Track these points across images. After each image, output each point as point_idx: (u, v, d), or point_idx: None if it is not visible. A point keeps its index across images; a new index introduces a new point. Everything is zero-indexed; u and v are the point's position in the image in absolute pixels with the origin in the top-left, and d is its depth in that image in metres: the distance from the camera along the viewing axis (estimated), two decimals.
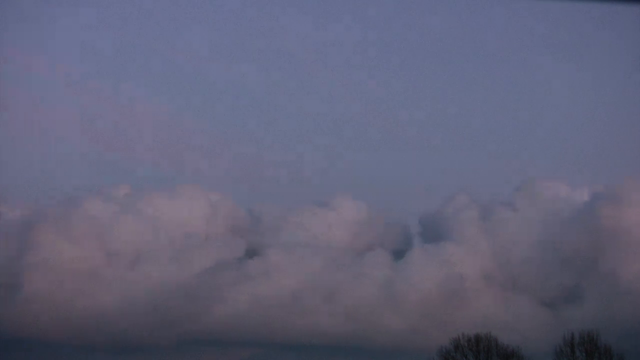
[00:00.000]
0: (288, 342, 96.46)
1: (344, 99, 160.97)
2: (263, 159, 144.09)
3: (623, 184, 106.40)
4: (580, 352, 68.36)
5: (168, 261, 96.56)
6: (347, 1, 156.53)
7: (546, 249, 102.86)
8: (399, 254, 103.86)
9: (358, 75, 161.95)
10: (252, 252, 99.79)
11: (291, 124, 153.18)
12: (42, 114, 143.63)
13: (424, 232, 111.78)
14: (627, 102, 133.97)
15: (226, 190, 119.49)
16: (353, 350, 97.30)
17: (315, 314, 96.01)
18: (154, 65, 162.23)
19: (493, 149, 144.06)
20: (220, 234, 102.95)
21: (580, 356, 68.38)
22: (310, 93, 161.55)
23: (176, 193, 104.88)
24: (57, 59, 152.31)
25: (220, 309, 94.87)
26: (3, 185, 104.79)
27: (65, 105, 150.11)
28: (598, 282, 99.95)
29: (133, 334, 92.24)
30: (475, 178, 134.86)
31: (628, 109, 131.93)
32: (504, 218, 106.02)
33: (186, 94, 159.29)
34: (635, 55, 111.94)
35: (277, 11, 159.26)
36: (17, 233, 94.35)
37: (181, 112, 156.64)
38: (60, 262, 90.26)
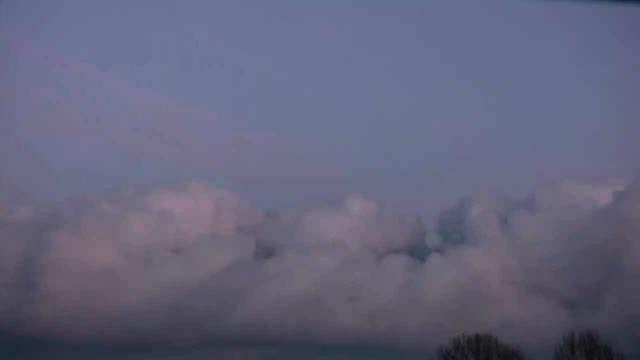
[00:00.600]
0: (307, 341, 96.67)
1: (356, 96, 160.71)
2: (273, 157, 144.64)
3: None
4: (580, 352, 67.81)
5: (185, 261, 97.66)
6: (365, 2, 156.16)
7: (567, 249, 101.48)
8: (415, 253, 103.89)
9: (371, 73, 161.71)
10: (267, 252, 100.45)
11: (300, 121, 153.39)
12: (47, 111, 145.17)
13: (440, 231, 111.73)
14: None
15: (238, 189, 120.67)
16: (373, 350, 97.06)
17: (334, 313, 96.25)
18: (166, 59, 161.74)
19: (512, 147, 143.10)
20: (235, 233, 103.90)
21: (580, 356, 67.82)
22: (320, 90, 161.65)
23: (189, 192, 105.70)
24: (67, 55, 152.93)
25: (239, 309, 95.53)
26: (14, 185, 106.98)
27: (74, 102, 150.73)
28: (621, 283, 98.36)
29: (152, 333, 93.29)
30: (493, 177, 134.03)
31: None
32: (523, 218, 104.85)
33: (195, 90, 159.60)
34: None
35: (295, 8, 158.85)
36: (31, 233, 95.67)
37: (191, 109, 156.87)
38: (75, 262, 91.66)
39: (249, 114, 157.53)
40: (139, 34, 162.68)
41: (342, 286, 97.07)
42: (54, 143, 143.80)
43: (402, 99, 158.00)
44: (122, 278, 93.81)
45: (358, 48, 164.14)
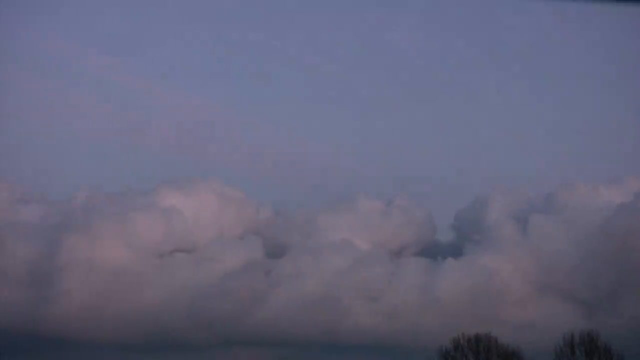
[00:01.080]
0: (321, 341, 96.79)
1: (367, 93, 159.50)
2: (282, 156, 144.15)
3: None
4: (580, 352, 67.49)
5: (198, 261, 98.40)
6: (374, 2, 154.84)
7: (585, 250, 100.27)
8: (427, 252, 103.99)
9: (382, 69, 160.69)
10: (278, 252, 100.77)
11: (310, 119, 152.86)
12: (58, 108, 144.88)
13: (454, 230, 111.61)
14: None
15: (248, 188, 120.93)
16: (389, 349, 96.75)
17: (348, 313, 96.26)
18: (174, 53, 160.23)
19: (529, 149, 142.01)
20: (246, 233, 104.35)
21: (580, 356, 67.51)
22: (331, 87, 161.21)
23: (200, 191, 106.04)
24: (76, 49, 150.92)
25: (254, 309, 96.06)
26: (27, 185, 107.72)
27: (85, 98, 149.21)
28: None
29: (166, 333, 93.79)
30: (508, 176, 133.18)
31: None
32: (539, 217, 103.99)
33: (210, 87, 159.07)
34: None
35: (303, 7, 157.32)
36: (46, 233, 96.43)
37: (207, 106, 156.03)
38: (89, 262, 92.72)
39: (259, 113, 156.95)
40: (148, 27, 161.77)
41: (355, 286, 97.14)
42: (64, 141, 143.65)
43: (413, 97, 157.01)
44: (135, 278, 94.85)
45: (367, 46, 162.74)
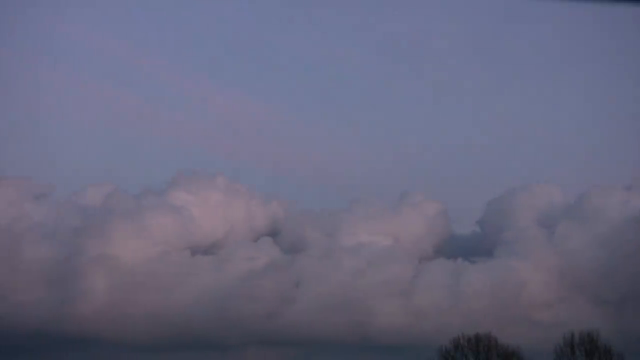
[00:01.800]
0: (348, 341, 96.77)
1: (380, 91, 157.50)
2: (298, 156, 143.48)
3: None
4: (580, 352, 66.42)
5: (218, 261, 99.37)
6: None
7: (613, 253, 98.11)
8: (450, 252, 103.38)
9: (400, 64, 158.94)
10: (295, 252, 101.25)
11: (323, 117, 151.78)
12: (67, 103, 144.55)
13: (479, 229, 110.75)
14: None
15: (265, 188, 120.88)
16: (411, 348, 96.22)
17: (371, 314, 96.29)
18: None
19: (558, 149, 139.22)
20: (262, 233, 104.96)
21: (580, 356, 66.46)
22: (349, 85, 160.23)
23: (218, 191, 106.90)
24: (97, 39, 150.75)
25: (277, 309, 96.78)
26: (45, 183, 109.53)
27: (106, 91, 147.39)
28: None
29: (189, 333, 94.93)
30: (539, 178, 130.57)
31: None
32: (564, 224, 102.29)
33: (225, 86, 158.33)
34: None
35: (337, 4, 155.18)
36: (68, 231, 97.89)
37: (222, 103, 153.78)
38: (109, 261, 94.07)
39: (272, 111, 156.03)
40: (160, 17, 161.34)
41: (377, 285, 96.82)
42: (77, 136, 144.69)
43: (434, 92, 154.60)
44: (156, 278, 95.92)
45: (383, 43, 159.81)
